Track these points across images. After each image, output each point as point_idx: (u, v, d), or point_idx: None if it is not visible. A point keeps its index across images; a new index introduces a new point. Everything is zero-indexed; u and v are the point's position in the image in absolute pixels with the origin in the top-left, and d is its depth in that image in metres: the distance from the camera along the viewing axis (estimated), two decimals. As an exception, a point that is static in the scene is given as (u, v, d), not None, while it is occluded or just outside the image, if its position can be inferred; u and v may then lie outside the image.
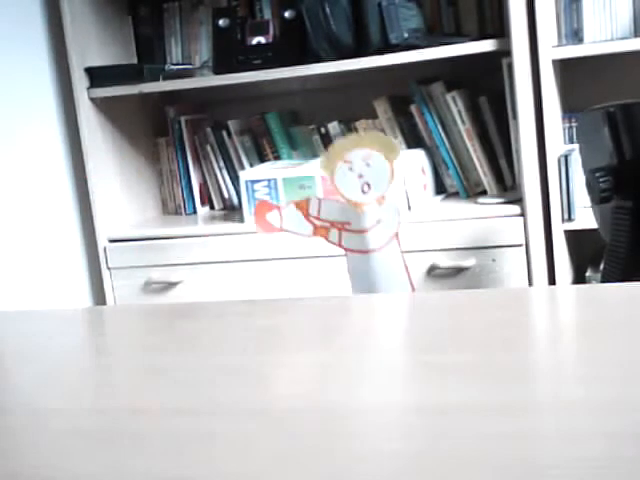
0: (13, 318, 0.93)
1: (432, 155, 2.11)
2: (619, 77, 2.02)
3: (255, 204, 0.92)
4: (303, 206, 0.90)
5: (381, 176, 0.87)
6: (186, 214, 2.34)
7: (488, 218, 1.87)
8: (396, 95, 2.14)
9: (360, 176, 0.87)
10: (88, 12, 2.13)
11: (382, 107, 2.12)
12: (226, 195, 2.32)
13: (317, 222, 0.89)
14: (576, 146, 1.74)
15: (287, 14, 2.06)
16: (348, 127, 2.19)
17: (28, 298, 2.00)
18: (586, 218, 1.77)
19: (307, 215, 0.90)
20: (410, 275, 0.88)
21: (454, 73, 2.08)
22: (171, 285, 2.10)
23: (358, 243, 0.89)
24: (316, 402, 0.56)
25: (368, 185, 0.87)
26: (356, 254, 0.90)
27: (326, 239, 0.91)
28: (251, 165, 2.26)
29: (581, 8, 1.85)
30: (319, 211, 0.89)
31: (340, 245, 0.90)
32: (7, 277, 1.96)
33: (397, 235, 0.89)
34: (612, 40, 1.83)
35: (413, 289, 0.89)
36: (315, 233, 0.91)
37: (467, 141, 2.03)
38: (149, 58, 2.33)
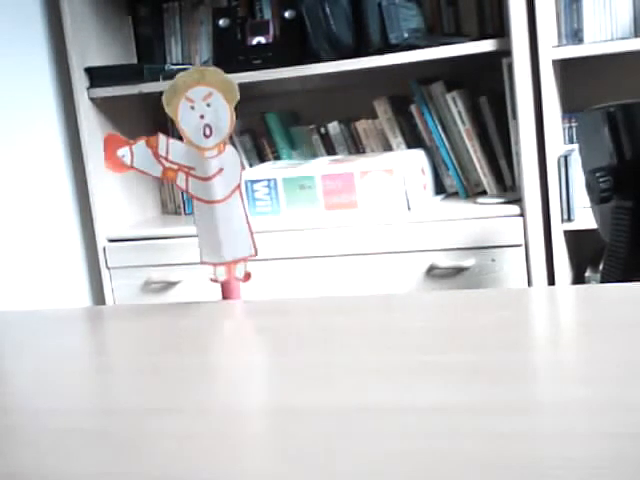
0: (13, 318, 0.93)
1: (432, 155, 2.11)
2: (619, 77, 2.02)
3: (103, 138, 0.88)
4: (153, 144, 0.87)
5: (221, 120, 0.84)
6: (186, 214, 2.34)
7: (488, 218, 1.87)
8: (396, 95, 2.14)
9: (202, 117, 0.84)
10: (88, 12, 2.13)
11: (382, 107, 2.12)
12: (226, 195, 2.32)
13: (166, 163, 0.87)
14: (576, 146, 1.74)
15: (287, 14, 2.06)
16: (348, 127, 2.20)
17: (28, 298, 2.00)
18: (586, 218, 1.77)
19: (157, 155, 0.87)
20: (252, 232, 0.86)
21: (454, 73, 2.08)
22: (170, 285, 2.10)
23: (202, 191, 0.86)
24: (316, 402, 0.56)
25: (210, 128, 0.84)
26: (201, 203, 0.88)
27: (175, 182, 0.88)
28: (251, 165, 2.26)
29: (581, 8, 1.85)
30: (167, 151, 0.87)
31: (187, 191, 0.87)
32: (7, 277, 1.96)
33: (239, 187, 0.86)
34: (612, 40, 1.83)
35: (255, 250, 0.86)
36: (164, 174, 0.88)
37: (467, 141, 2.03)
38: (149, 58, 2.33)
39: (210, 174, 0.85)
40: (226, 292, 0.93)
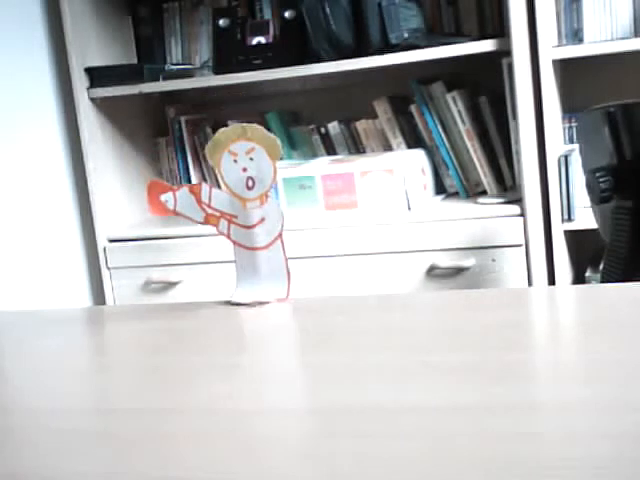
0: (13, 318, 0.93)
1: (432, 155, 2.11)
2: (619, 77, 2.02)
3: (147, 184, 0.91)
4: (196, 192, 0.90)
5: (264, 173, 0.87)
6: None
7: (488, 218, 1.87)
8: (396, 95, 2.14)
9: (244, 169, 0.87)
10: (88, 12, 2.13)
11: (382, 107, 2.12)
12: (226, 195, 2.32)
13: (208, 210, 0.89)
14: (576, 146, 1.74)
15: (287, 14, 2.06)
16: (348, 127, 2.20)
17: (28, 298, 2.00)
18: (586, 218, 1.77)
19: (199, 201, 0.90)
20: (290, 280, 0.89)
21: (454, 73, 2.08)
22: (171, 285, 2.10)
23: (244, 238, 0.89)
24: (316, 402, 0.56)
25: (252, 180, 0.87)
26: (242, 249, 0.90)
27: (217, 228, 0.91)
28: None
29: (581, 8, 1.85)
30: (210, 198, 0.89)
31: (228, 237, 0.90)
32: (7, 277, 1.96)
33: (281, 236, 0.89)
34: (612, 40, 1.83)
35: (287, 295, 0.89)
36: (206, 220, 0.91)
37: (467, 141, 2.03)
38: (149, 58, 2.33)
39: (252, 223, 0.88)
40: None
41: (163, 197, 0.90)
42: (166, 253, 2.08)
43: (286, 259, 0.90)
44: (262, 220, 0.88)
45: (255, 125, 0.87)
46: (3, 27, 1.99)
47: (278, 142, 0.87)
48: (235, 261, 0.93)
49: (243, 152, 0.87)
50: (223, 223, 0.90)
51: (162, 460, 0.49)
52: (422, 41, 1.90)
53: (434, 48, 1.86)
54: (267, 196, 0.88)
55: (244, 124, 0.88)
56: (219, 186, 0.91)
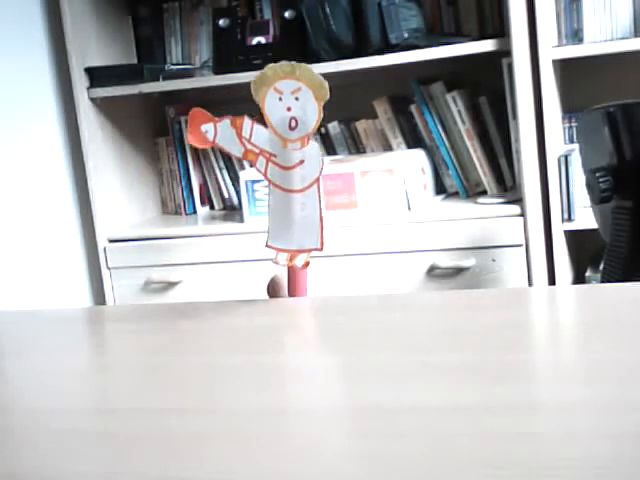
0: (13, 318, 0.93)
1: (432, 155, 2.11)
2: (619, 77, 2.02)
3: (189, 112, 0.89)
4: (237, 125, 0.88)
5: (308, 114, 0.85)
6: (186, 214, 2.34)
7: (488, 218, 1.87)
8: (396, 95, 2.14)
9: (288, 109, 0.85)
10: (88, 12, 2.13)
11: (382, 107, 2.12)
12: (226, 195, 2.32)
13: (248, 145, 0.88)
14: (576, 146, 1.74)
15: (287, 14, 2.06)
16: (348, 127, 2.20)
17: (28, 298, 2.00)
18: (586, 218, 1.77)
19: (240, 135, 0.88)
20: (323, 228, 0.87)
21: (454, 73, 2.08)
22: (171, 285, 2.10)
23: (281, 179, 0.88)
24: (315, 402, 0.56)
25: (295, 120, 0.85)
26: (277, 189, 0.89)
27: (254, 165, 0.89)
28: (251, 165, 2.25)
29: (581, 8, 1.85)
30: (251, 134, 0.88)
31: (265, 175, 0.89)
32: (7, 277, 1.96)
33: (318, 181, 0.87)
34: (612, 40, 1.83)
35: (322, 245, 0.87)
36: (245, 155, 0.89)
37: (467, 141, 2.03)
38: (149, 58, 2.33)
39: (291, 164, 0.86)
40: (292, 288, 0.93)
41: (204, 127, 0.88)
42: (166, 253, 2.08)
43: (321, 206, 0.88)
44: (301, 162, 0.86)
45: (304, 64, 0.86)
46: (3, 27, 1.99)
47: (326, 84, 0.85)
48: (269, 202, 0.91)
49: (289, 91, 0.85)
50: (261, 161, 0.88)
51: (162, 460, 0.49)
52: (422, 41, 1.90)
53: (434, 48, 1.86)
54: (309, 139, 0.86)
55: (293, 62, 0.86)
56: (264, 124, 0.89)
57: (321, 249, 0.89)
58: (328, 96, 0.85)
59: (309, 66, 0.86)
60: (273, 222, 0.91)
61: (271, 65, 0.86)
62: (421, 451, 0.46)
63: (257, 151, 0.88)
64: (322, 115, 0.85)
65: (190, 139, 0.89)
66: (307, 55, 2.02)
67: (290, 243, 0.89)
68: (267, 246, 0.89)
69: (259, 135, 0.88)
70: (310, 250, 0.89)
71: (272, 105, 0.86)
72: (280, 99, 0.86)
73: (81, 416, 0.58)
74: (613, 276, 1.48)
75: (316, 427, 0.52)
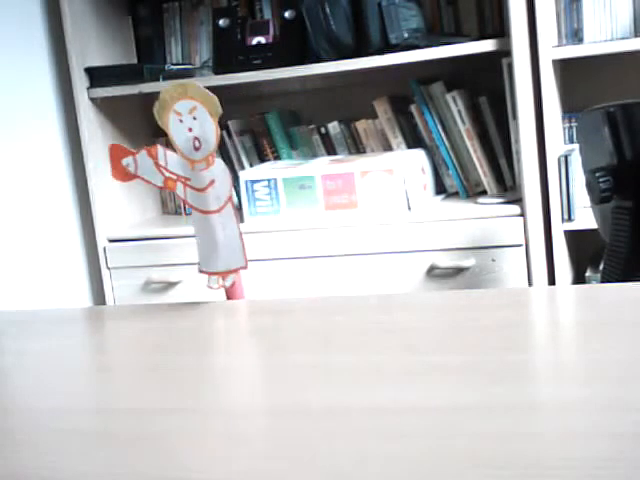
0: (13, 318, 0.93)
1: (432, 155, 2.11)
2: (619, 77, 2.02)
3: (108, 148, 0.90)
4: (153, 155, 0.89)
5: (207, 132, 0.86)
6: (186, 214, 2.34)
7: (488, 218, 1.87)
8: (396, 95, 2.14)
9: (190, 129, 0.86)
10: (88, 12, 2.13)
11: (382, 107, 2.12)
12: (226, 195, 2.32)
13: (166, 173, 0.88)
14: (576, 146, 1.74)
15: (287, 14, 2.06)
16: (348, 127, 2.20)
17: (28, 298, 2.00)
18: (586, 218, 1.77)
19: (157, 164, 0.89)
20: (244, 245, 0.88)
21: (454, 73, 2.08)
22: (171, 285, 2.10)
23: (198, 201, 0.88)
24: (316, 402, 0.56)
25: (199, 140, 0.86)
26: (197, 212, 0.90)
27: (175, 192, 0.90)
28: (251, 165, 2.26)
29: (581, 8, 1.85)
30: (166, 161, 0.88)
31: (185, 201, 0.89)
32: (7, 277, 1.96)
33: (230, 199, 0.88)
34: (612, 40, 1.83)
35: (246, 263, 0.88)
36: (165, 184, 0.90)
37: (467, 141, 2.03)
38: (149, 58, 2.33)
39: (204, 186, 0.88)
40: (229, 295, 0.94)
41: (124, 161, 0.89)
42: (166, 253, 2.08)
43: (238, 226, 0.89)
44: (212, 182, 0.87)
45: (194, 82, 0.86)
46: (3, 27, 1.99)
47: (216, 99, 0.86)
48: (193, 225, 0.92)
49: (186, 111, 0.86)
50: (179, 186, 0.89)
51: (162, 460, 0.49)
52: (422, 41, 1.90)
53: (434, 48, 1.86)
54: (213, 157, 0.87)
55: (183, 81, 0.87)
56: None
57: (246, 267, 0.91)
58: (221, 110, 0.86)
59: (198, 83, 0.87)
60: (200, 246, 0.92)
61: (165, 88, 0.87)
62: (421, 451, 0.46)
63: (174, 177, 0.89)
64: (220, 131, 0.86)
65: (113, 174, 0.90)
66: (307, 55, 2.02)
67: (218, 265, 0.91)
68: (200, 271, 0.91)
69: (173, 161, 0.89)
70: (237, 270, 0.90)
71: (175, 128, 0.87)
72: (181, 121, 0.87)
73: (81, 416, 0.58)
74: (613, 276, 1.48)
75: (316, 427, 0.52)
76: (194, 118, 0.86)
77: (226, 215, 0.88)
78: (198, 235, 0.91)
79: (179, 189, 0.90)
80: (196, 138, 0.86)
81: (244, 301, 0.91)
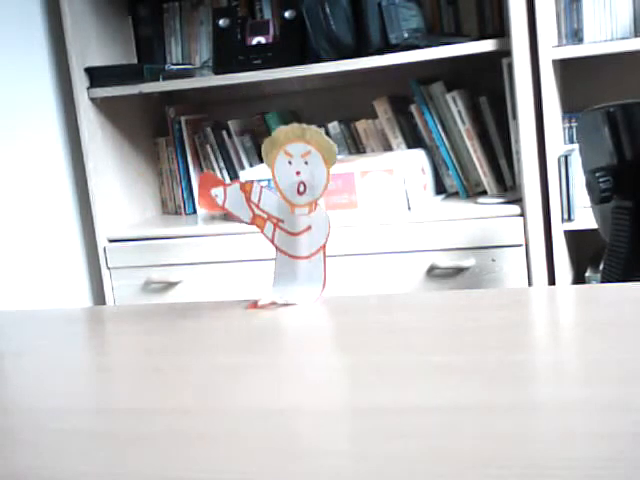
0: (13, 318, 0.93)
1: (432, 155, 2.11)
2: (619, 77, 2.02)
3: (200, 176, 0.89)
4: (247, 189, 0.87)
5: (317, 179, 0.84)
6: (186, 214, 2.34)
7: (488, 218, 1.87)
8: (396, 95, 2.14)
9: (297, 173, 0.85)
10: (88, 12, 2.13)
11: (382, 107, 2.12)
12: (226, 195, 2.32)
13: (256, 210, 0.87)
14: (576, 146, 1.74)
15: (287, 14, 2.06)
16: (348, 127, 2.20)
17: (28, 298, 2.00)
18: (586, 218, 1.77)
19: (249, 200, 0.87)
20: (324, 289, 0.87)
21: (454, 73, 2.08)
22: (171, 285, 2.10)
23: (287, 245, 0.87)
24: (316, 402, 0.56)
25: (304, 185, 0.85)
26: (284, 255, 0.88)
27: (262, 231, 0.88)
28: (251, 165, 2.26)
29: (581, 8, 1.85)
30: (259, 199, 0.87)
31: (272, 242, 0.88)
32: (7, 277, 1.96)
33: (324, 247, 0.86)
34: (612, 40, 1.83)
35: (316, 299, 0.87)
36: (253, 221, 0.88)
37: (467, 141, 2.03)
38: (149, 58, 2.33)
39: (298, 230, 0.86)
40: None
41: (214, 191, 0.88)
42: (166, 253, 2.08)
43: (325, 271, 0.88)
44: (308, 228, 0.86)
45: (314, 128, 0.85)
46: (3, 27, 1.99)
47: (335, 148, 0.84)
48: (275, 266, 0.90)
49: (299, 154, 0.84)
50: (269, 226, 0.87)
51: (162, 460, 0.49)
52: (422, 41, 1.90)
53: (434, 48, 1.86)
54: (316, 204, 0.86)
55: (304, 125, 0.85)
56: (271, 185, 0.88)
57: (314, 302, 0.89)
58: (336, 160, 0.85)
59: (320, 130, 0.86)
60: (277, 284, 0.89)
61: (282, 128, 0.85)
62: (421, 451, 0.46)
63: (265, 216, 0.87)
64: (329, 180, 0.85)
65: (200, 203, 0.89)
66: (307, 55, 2.01)
67: (287, 297, 0.88)
68: (270, 299, 0.88)
69: (268, 200, 0.87)
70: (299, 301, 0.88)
71: (282, 169, 0.85)
72: (290, 162, 0.85)
73: (81, 416, 0.58)
74: (613, 276, 1.48)
75: (316, 427, 0.52)
76: (306, 162, 0.85)
77: (316, 261, 0.87)
78: (277, 276, 0.89)
79: (267, 228, 0.88)
80: (302, 182, 0.85)
81: (243, 301, 0.91)
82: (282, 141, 0.85)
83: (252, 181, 0.88)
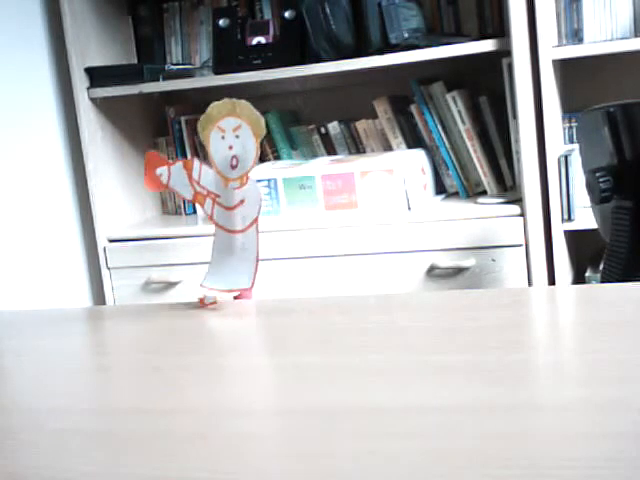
0: (13, 318, 0.93)
1: (432, 155, 2.11)
2: (619, 77, 2.02)
3: (145, 155, 0.90)
4: (189, 167, 0.89)
5: (248, 152, 0.86)
6: (186, 214, 2.34)
7: (488, 218, 1.87)
8: (396, 95, 2.14)
9: (230, 147, 0.86)
10: (88, 12, 2.13)
11: (382, 107, 2.12)
12: (226, 195, 2.32)
13: (197, 187, 0.89)
14: (576, 146, 1.74)
15: (287, 14, 2.06)
16: (348, 127, 2.20)
17: (28, 298, 2.00)
18: (586, 218, 1.77)
19: (191, 177, 0.89)
20: (256, 270, 0.88)
21: (454, 73, 2.08)
22: (171, 285, 2.10)
23: (224, 220, 0.88)
24: (316, 402, 0.56)
25: (237, 159, 0.86)
26: (221, 230, 0.89)
27: (202, 207, 0.90)
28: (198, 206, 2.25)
29: (581, 8, 1.85)
30: (200, 176, 0.89)
31: (210, 218, 0.89)
32: (7, 277, 1.96)
33: (257, 221, 0.88)
34: (612, 40, 1.83)
35: (252, 285, 0.88)
36: (195, 198, 0.90)
37: (467, 141, 2.03)
38: (149, 58, 2.33)
39: (232, 204, 0.88)
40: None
41: (159, 170, 0.90)
42: (166, 253, 2.08)
43: (258, 247, 0.89)
44: (242, 202, 0.88)
45: (243, 101, 0.87)
46: (3, 27, 1.99)
47: (262, 120, 0.86)
48: (213, 242, 0.92)
49: (231, 129, 0.87)
50: (208, 202, 0.90)
51: (162, 460, 0.49)
52: (422, 41, 1.90)
53: (434, 48, 1.86)
54: (248, 177, 0.87)
55: (234, 100, 0.87)
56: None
57: (250, 289, 0.91)
58: (264, 132, 0.86)
59: (249, 104, 0.87)
60: (213, 263, 0.92)
61: (214, 104, 0.88)
62: (421, 451, 0.46)
63: (205, 193, 0.90)
64: (259, 152, 0.87)
65: (146, 182, 0.91)
66: (307, 55, 2.01)
67: (223, 283, 0.90)
68: (201, 285, 0.91)
69: (206, 176, 0.89)
70: (239, 290, 0.90)
71: (216, 144, 0.88)
72: (223, 137, 0.87)
73: (81, 416, 0.58)
74: (613, 276, 1.48)
75: (316, 427, 0.52)
76: (237, 137, 0.86)
77: (249, 236, 0.88)
78: (215, 252, 0.91)
79: (207, 205, 0.90)
80: (235, 157, 0.87)
81: (243, 301, 0.91)
82: (215, 117, 0.87)
83: (192, 159, 0.90)
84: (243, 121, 0.86)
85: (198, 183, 0.89)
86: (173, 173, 0.90)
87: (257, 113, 0.86)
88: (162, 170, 0.90)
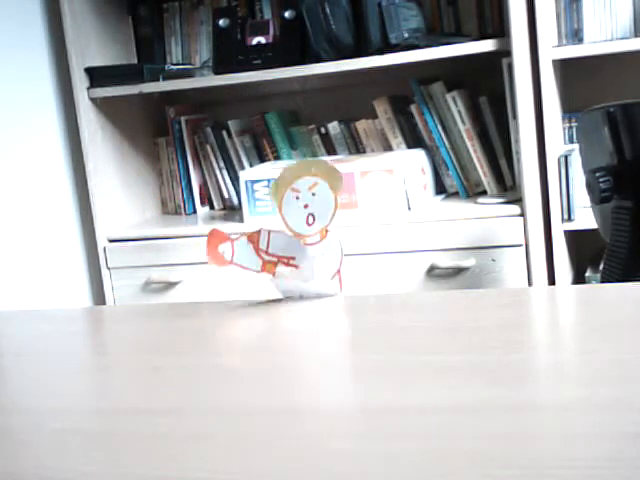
0: (13, 318, 0.93)
1: (432, 155, 2.11)
2: (619, 77, 2.02)
3: (208, 233, 0.89)
4: (254, 239, 0.88)
5: (325, 207, 0.85)
6: (186, 214, 2.34)
7: (488, 218, 1.87)
8: (396, 95, 2.14)
9: (306, 206, 0.86)
10: (88, 12, 2.13)
11: (382, 107, 2.12)
12: (226, 195, 2.32)
13: (265, 257, 0.88)
14: (576, 146, 1.74)
15: (287, 14, 2.06)
16: (348, 127, 2.20)
17: (28, 298, 2.00)
18: (586, 218, 1.77)
19: (257, 249, 0.88)
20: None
21: (454, 73, 2.08)
22: (171, 285, 2.10)
23: (299, 276, 0.87)
24: (316, 402, 0.56)
25: (313, 217, 0.85)
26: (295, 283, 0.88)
27: (273, 276, 0.89)
28: (251, 165, 2.26)
29: (581, 8, 1.85)
30: (268, 244, 0.88)
31: (289, 280, 0.88)
32: (7, 277, 1.96)
33: (339, 272, 0.87)
34: (612, 40, 1.83)
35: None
36: (263, 268, 0.89)
37: (467, 141, 2.03)
38: (149, 58, 2.33)
39: (311, 260, 0.87)
40: None
41: (221, 247, 0.89)
42: (166, 253, 2.08)
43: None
44: (321, 256, 0.87)
45: (320, 160, 0.86)
46: (3, 27, 1.99)
47: (340, 175, 0.85)
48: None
49: (306, 187, 0.86)
50: (280, 269, 0.88)
51: (162, 460, 0.49)
52: (422, 41, 1.90)
53: (434, 48, 1.86)
54: (327, 231, 0.87)
55: (309, 159, 0.86)
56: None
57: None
58: (342, 186, 0.85)
59: (323, 160, 0.86)
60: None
61: (288, 167, 0.86)
62: (421, 451, 0.46)
63: (275, 260, 0.88)
64: (337, 206, 0.85)
65: (209, 260, 0.90)
66: (307, 55, 2.01)
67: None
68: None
69: (277, 241, 0.87)
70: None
71: (290, 206, 0.86)
72: (297, 198, 0.86)
73: (81, 416, 0.58)
74: (613, 276, 1.48)
75: (315, 427, 0.52)
76: (313, 194, 0.86)
77: (330, 288, 0.87)
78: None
79: (280, 270, 0.89)
80: (310, 214, 0.86)
81: (243, 301, 0.91)
82: (289, 180, 0.86)
83: (259, 230, 0.89)
84: (319, 178, 0.85)
85: (267, 252, 0.88)
86: (237, 248, 0.89)
87: (334, 167, 0.85)
88: (225, 247, 0.89)
